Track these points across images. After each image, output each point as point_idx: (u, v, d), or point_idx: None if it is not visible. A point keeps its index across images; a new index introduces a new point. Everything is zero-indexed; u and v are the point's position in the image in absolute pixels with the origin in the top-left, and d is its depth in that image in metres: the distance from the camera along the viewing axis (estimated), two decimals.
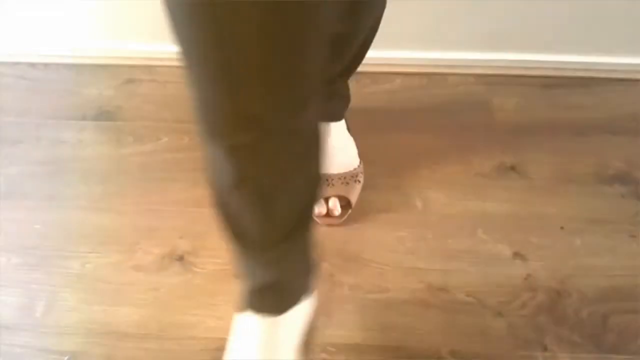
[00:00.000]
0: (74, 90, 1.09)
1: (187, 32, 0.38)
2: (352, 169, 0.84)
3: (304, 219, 0.54)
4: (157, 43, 1.11)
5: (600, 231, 0.80)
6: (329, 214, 0.81)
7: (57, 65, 1.14)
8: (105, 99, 1.06)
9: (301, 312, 0.64)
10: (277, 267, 0.57)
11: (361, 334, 0.68)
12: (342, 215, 0.81)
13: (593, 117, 1.00)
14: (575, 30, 1.04)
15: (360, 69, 0.80)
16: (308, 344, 0.67)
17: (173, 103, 1.05)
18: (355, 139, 0.87)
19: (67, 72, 1.13)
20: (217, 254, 0.78)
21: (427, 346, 0.67)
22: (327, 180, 0.82)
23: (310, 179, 0.51)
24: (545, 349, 0.67)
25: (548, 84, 1.07)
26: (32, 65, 1.14)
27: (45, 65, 1.14)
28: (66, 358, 0.67)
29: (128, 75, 1.11)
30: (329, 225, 0.81)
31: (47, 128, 1.00)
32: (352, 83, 0.85)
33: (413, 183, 0.85)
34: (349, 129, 0.88)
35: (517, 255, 0.77)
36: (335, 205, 0.81)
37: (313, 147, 0.49)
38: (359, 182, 0.84)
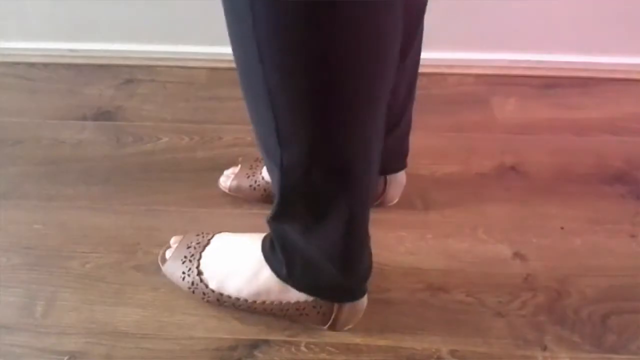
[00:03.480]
0: (74, 90, 1.09)
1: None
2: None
3: None
4: (157, 43, 1.12)
5: (600, 231, 0.80)
6: None
7: (57, 65, 1.14)
8: (105, 99, 1.06)
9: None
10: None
11: (361, 334, 0.68)
12: None
13: (593, 117, 1.00)
14: (575, 30, 1.04)
15: None
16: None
17: (173, 103, 1.05)
18: None
19: (67, 72, 1.13)
20: None
21: (427, 346, 0.67)
22: None
23: None
24: (545, 349, 0.67)
25: (548, 84, 1.07)
26: (32, 65, 1.15)
27: (45, 65, 1.14)
28: (66, 358, 0.66)
29: (128, 75, 1.11)
30: None
31: (47, 128, 1.00)
32: None
33: (413, 183, 0.84)
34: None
35: (517, 255, 0.77)
36: None
37: None
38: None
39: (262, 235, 0.67)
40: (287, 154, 0.49)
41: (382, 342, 0.68)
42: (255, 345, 0.67)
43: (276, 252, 0.63)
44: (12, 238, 0.80)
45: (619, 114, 1.00)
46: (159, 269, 0.72)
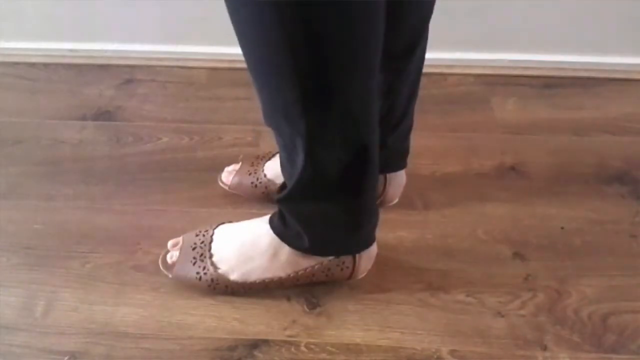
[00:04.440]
0: (74, 90, 1.09)
1: None
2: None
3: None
4: (157, 43, 1.12)
5: (600, 231, 0.80)
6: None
7: (57, 65, 1.14)
8: (105, 99, 1.06)
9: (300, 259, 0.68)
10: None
11: (361, 334, 0.68)
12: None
13: (593, 117, 1.00)
14: (575, 30, 1.04)
15: None
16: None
17: (173, 103, 1.05)
18: None
19: (67, 72, 1.13)
20: None
21: (427, 346, 0.67)
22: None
23: None
24: (545, 349, 0.67)
25: (548, 84, 1.07)
26: (32, 65, 1.15)
27: (45, 65, 1.14)
28: (66, 358, 0.66)
29: (128, 75, 1.12)
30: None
31: (47, 128, 1.00)
32: None
33: (413, 183, 0.84)
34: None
35: (517, 255, 0.77)
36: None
37: None
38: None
39: (263, 218, 0.70)
40: (311, 119, 0.52)
41: (382, 342, 0.68)
42: (255, 345, 0.67)
43: (290, 228, 0.66)
44: (12, 238, 0.80)
45: (619, 114, 1.00)
46: (159, 269, 0.72)
